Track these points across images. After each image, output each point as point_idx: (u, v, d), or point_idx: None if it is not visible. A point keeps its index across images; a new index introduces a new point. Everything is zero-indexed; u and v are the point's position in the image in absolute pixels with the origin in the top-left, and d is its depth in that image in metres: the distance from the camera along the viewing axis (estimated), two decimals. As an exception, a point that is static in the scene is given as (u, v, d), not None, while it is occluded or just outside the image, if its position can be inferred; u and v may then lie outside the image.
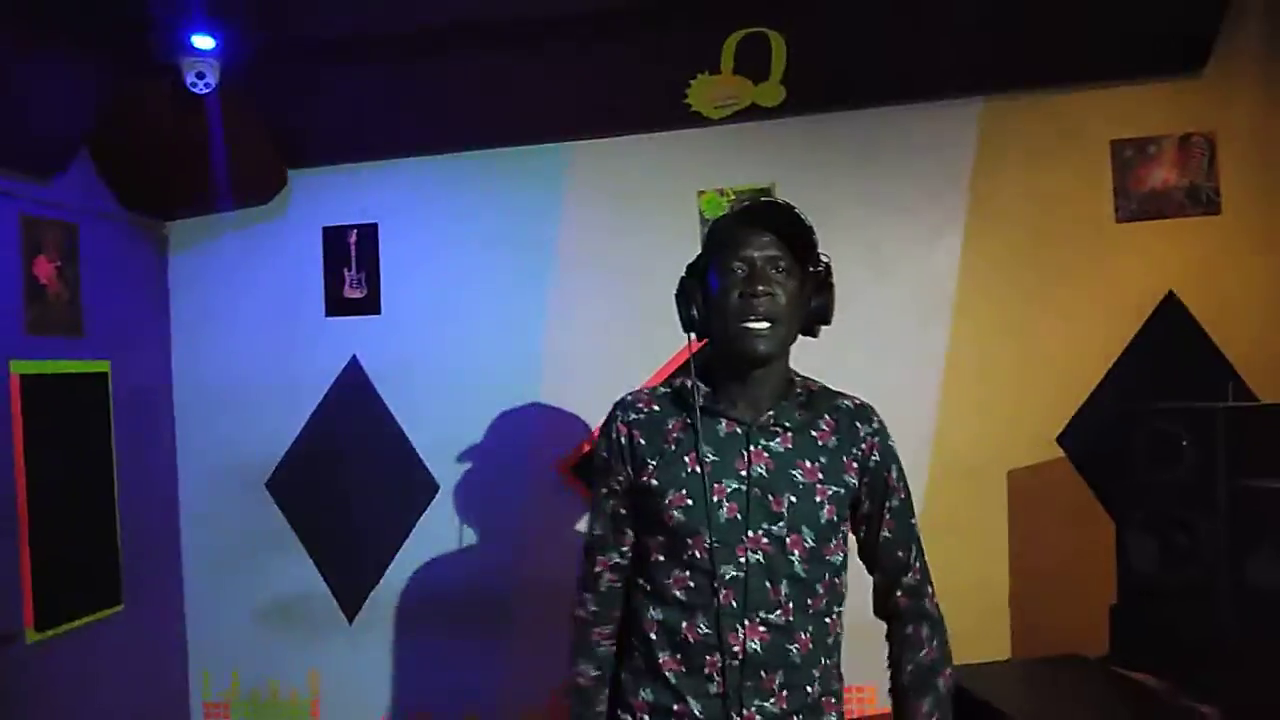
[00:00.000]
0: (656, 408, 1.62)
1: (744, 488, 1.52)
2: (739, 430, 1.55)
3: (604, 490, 1.64)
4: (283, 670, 2.95)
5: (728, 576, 1.51)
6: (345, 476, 2.94)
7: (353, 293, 2.92)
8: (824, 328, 1.60)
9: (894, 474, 1.60)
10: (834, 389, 1.64)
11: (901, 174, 2.75)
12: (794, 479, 1.53)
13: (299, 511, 2.97)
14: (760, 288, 1.49)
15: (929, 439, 2.72)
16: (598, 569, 1.66)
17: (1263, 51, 2.61)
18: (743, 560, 1.51)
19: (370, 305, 2.91)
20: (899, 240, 2.76)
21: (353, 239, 2.92)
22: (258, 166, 2.83)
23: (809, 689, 1.53)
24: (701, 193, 2.81)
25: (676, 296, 1.61)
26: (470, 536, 2.87)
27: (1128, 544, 2.23)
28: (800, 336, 1.58)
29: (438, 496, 2.90)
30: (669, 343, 2.67)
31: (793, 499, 1.52)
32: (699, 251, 1.60)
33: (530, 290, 2.87)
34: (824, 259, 1.57)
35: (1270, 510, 2.02)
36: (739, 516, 1.52)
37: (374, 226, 2.92)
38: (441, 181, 2.90)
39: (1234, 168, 2.65)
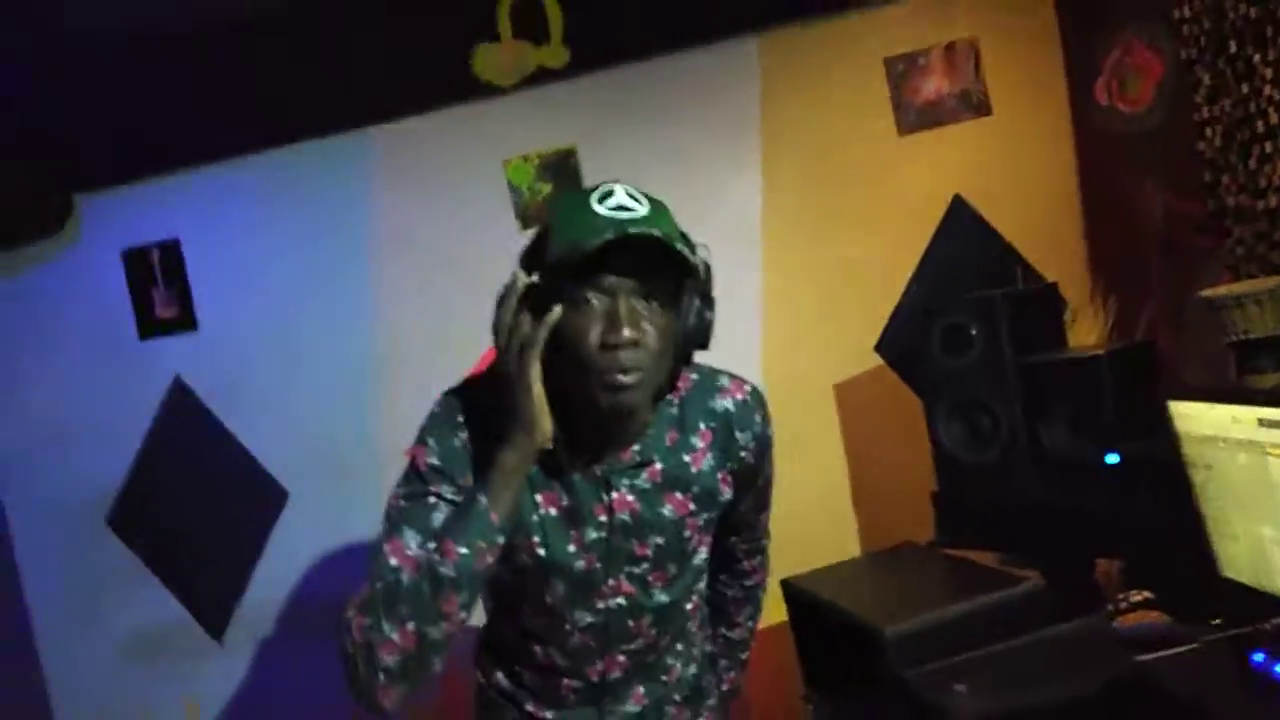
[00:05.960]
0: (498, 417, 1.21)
1: (604, 535, 1.28)
2: (598, 472, 1.27)
3: (427, 498, 1.19)
4: (156, 703, 2.87)
5: (583, 624, 1.34)
6: (188, 498, 2.86)
7: (165, 311, 2.83)
8: None
9: (766, 464, 1.41)
10: (711, 374, 1.34)
11: (695, 120, 2.83)
12: (662, 517, 1.30)
13: (146, 541, 2.87)
14: (626, 333, 1.12)
15: (757, 370, 2.81)
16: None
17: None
18: (601, 607, 1.33)
19: (185, 322, 2.83)
20: (704, 183, 2.84)
21: (155, 259, 2.83)
22: (28, 196, 2.71)
23: (665, 678, 1.46)
24: (506, 161, 2.82)
25: (499, 307, 1.17)
26: (330, 540, 2.85)
27: (937, 432, 2.38)
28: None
29: (288, 503, 2.87)
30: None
31: (659, 541, 1.31)
32: (514, 221, 1.27)
33: (351, 283, 2.84)
34: (702, 263, 1.19)
35: (1050, 380, 2.20)
36: (598, 567, 1.30)
37: (175, 242, 2.83)
38: (241, 186, 2.83)
39: (998, 69, 2.83)
